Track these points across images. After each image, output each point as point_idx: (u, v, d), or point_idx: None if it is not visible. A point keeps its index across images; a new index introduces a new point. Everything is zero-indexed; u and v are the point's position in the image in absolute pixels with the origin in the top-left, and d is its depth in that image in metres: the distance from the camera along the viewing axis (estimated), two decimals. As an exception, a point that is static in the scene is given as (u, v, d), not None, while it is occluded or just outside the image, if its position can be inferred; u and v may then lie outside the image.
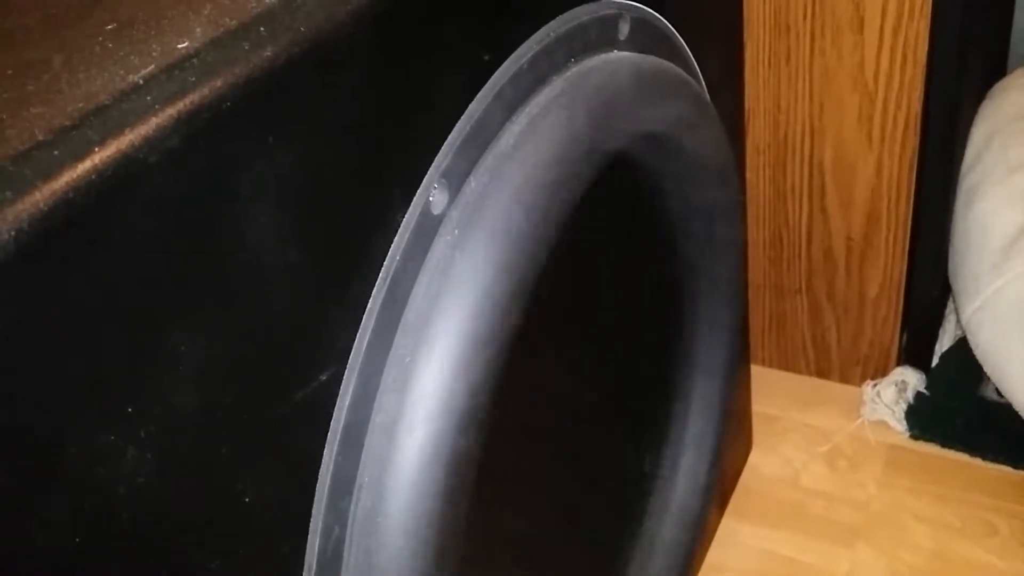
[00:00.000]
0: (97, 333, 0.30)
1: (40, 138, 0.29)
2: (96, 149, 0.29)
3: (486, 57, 0.46)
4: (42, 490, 0.29)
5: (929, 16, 0.87)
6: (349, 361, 0.41)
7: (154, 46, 0.34)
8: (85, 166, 0.29)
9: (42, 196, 0.28)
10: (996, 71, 1.18)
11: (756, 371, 1.07)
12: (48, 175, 0.28)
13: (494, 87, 0.46)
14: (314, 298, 0.39)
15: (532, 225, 0.46)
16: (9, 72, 0.34)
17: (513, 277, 0.45)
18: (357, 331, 0.41)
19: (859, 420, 1.06)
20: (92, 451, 0.31)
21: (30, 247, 0.27)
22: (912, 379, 1.06)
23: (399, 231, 0.42)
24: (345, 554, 0.42)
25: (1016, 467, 0.99)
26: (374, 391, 0.42)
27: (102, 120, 0.30)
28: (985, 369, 0.98)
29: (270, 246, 0.36)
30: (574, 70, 0.51)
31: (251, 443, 0.37)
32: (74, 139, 0.29)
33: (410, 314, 0.43)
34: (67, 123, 0.30)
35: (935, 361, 1.09)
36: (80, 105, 0.31)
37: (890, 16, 0.88)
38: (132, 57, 0.34)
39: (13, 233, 0.27)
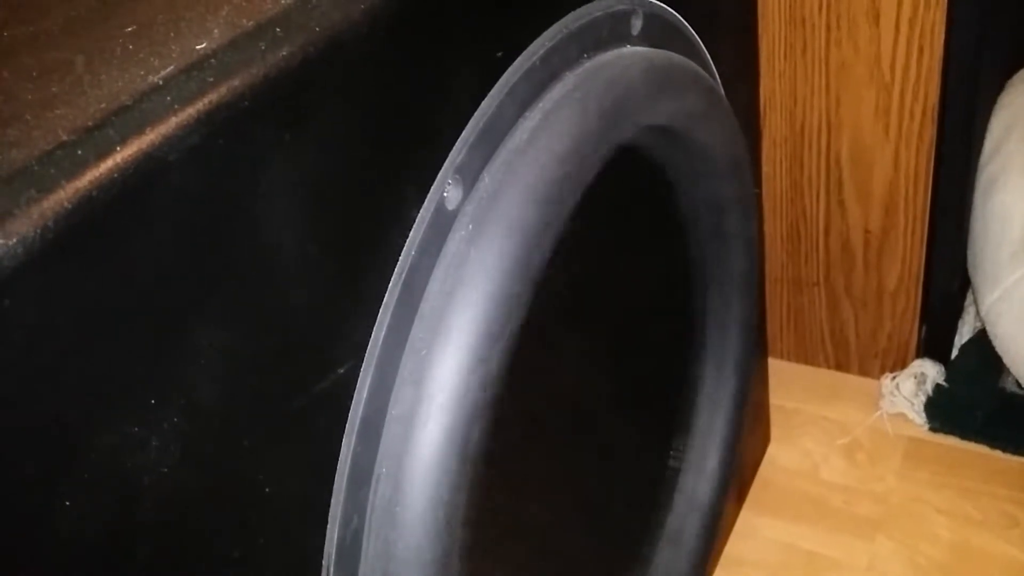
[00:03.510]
0: (120, 327, 0.31)
1: (64, 138, 0.30)
2: (118, 148, 0.30)
3: (499, 54, 0.47)
4: (68, 479, 0.30)
5: (945, 6, 0.86)
6: (366, 354, 0.42)
7: (173, 47, 0.35)
8: (108, 165, 0.30)
9: (66, 194, 0.29)
10: (1015, 61, 1.17)
11: (774, 364, 1.07)
12: (72, 174, 0.29)
13: (507, 83, 0.47)
14: (331, 292, 0.40)
15: (545, 219, 0.46)
16: (33, 74, 0.35)
17: (527, 271, 0.46)
18: (374, 325, 0.42)
19: (878, 413, 1.06)
20: (117, 442, 0.31)
21: (56, 244, 0.28)
22: (931, 371, 1.06)
23: (414, 226, 0.43)
24: (364, 543, 0.43)
25: (1037, 459, 0.99)
26: (391, 383, 0.43)
27: (124, 120, 0.31)
28: (1004, 361, 0.98)
29: (288, 242, 0.37)
30: (587, 66, 0.52)
31: (271, 434, 0.38)
32: (97, 139, 0.30)
33: (426, 308, 0.44)
34: (90, 123, 0.31)
35: (954, 353, 1.09)
36: (102, 105, 0.32)
37: (906, 7, 0.87)
38: (152, 58, 0.35)
39: (39, 230, 0.28)
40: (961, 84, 0.90)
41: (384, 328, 0.42)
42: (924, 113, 0.92)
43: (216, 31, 0.36)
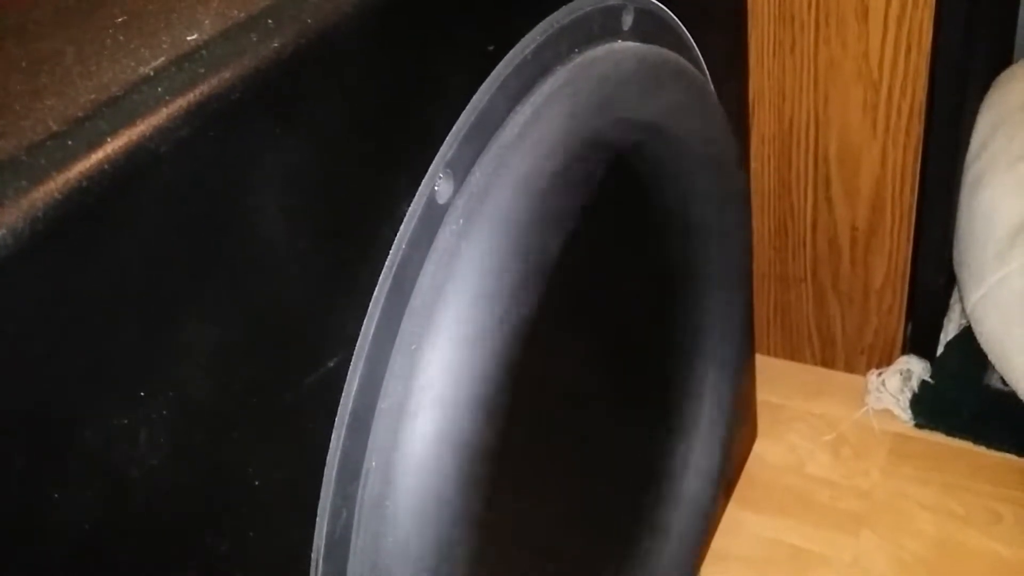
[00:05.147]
0: (110, 319, 0.31)
1: (54, 129, 0.30)
2: (108, 139, 0.30)
3: (490, 48, 0.47)
4: (57, 471, 0.30)
5: (933, 5, 0.87)
6: (356, 348, 0.42)
7: (164, 38, 0.35)
8: (98, 156, 0.30)
9: (56, 185, 0.28)
10: (1002, 60, 1.17)
11: (761, 360, 1.08)
12: (62, 165, 0.29)
13: (498, 77, 0.47)
14: (322, 286, 0.39)
15: (536, 214, 0.46)
16: (23, 64, 0.34)
17: (518, 265, 0.46)
18: (364, 318, 0.42)
19: (864, 409, 1.07)
20: (106, 434, 0.31)
21: (45, 235, 0.28)
22: (917, 368, 1.06)
23: (405, 220, 0.43)
24: (353, 537, 0.43)
25: (1020, 455, 0.99)
26: (381, 377, 0.43)
27: (114, 111, 0.31)
28: (989, 358, 0.98)
29: (278, 235, 0.37)
30: (577, 60, 0.52)
31: (261, 428, 0.38)
32: (87, 130, 0.30)
33: (416, 302, 0.44)
34: (80, 114, 0.31)
35: (940, 350, 1.09)
36: (92, 96, 0.32)
37: (894, 5, 0.88)
38: (143, 49, 0.34)
39: (29, 221, 0.28)
40: (948, 82, 0.91)
41: (374, 322, 0.42)
42: (911, 111, 0.92)
43: (207, 22, 0.36)
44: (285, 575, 0.41)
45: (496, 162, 0.46)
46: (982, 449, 1.01)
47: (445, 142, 0.44)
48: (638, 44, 0.58)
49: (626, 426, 0.75)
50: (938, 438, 1.03)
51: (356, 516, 0.43)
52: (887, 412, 1.06)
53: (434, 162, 0.44)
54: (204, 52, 0.34)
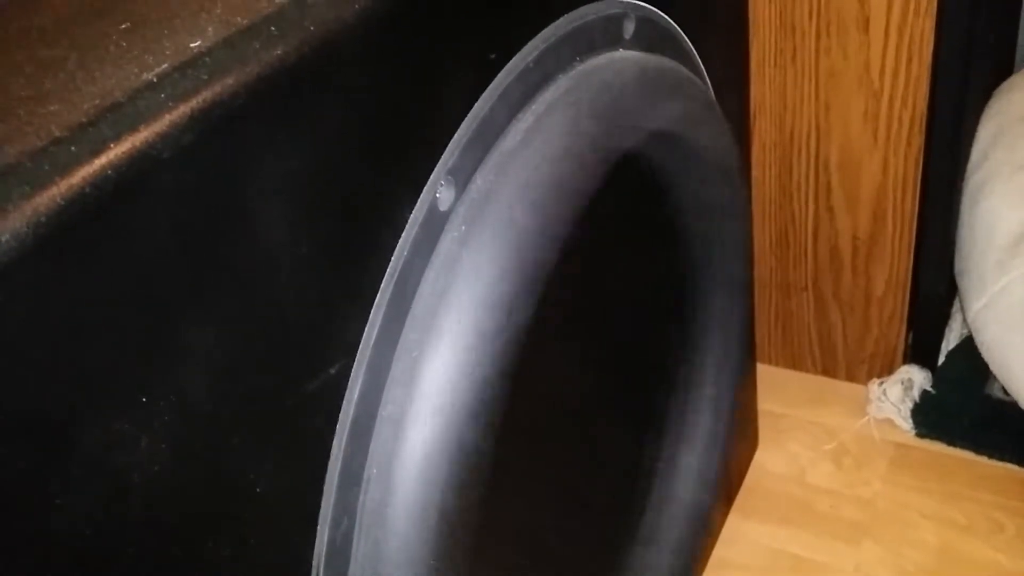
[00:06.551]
0: (111, 324, 0.31)
1: (57, 134, 0.30)
2: (111, 145, 0.30)
3: (492, 56, 0.47)
4: (59, 476, 0.30)
5: (935, 14, 0.87)
6: (358, 355, 0.42)
7: (167, 45, 0.35)
8: (101, 162, 0.30)
9: (60, 191, 0.29)
10: (1003, 69, 1.18)
11: (762, 369, 1.08)
12: (65, 170, 0.29)
13: (500, 86, 0.47)
14: (323, 292, 0.40)
15: (537, 221, 0.46)
16: (27, 70, 0.34)
17: (519, 272, 0.46)
18: (366, 325, 0.42)
19: (865, 418, 1.07)
20: (107, 439, 0.31)
21: (48, 240, 0.28)
22: (918, 377, 1.06)
23: (407, 227, 0.43)
24: (354, 544, 0.43)
25: (1022, 465, 0.99)
26: (382, 384, 0.43)
27: (117, 117, 0.31)
28: (991, 367, 0.98)
29: (280, 241, 0.37)
30: (579, 69, 0.52)
31: (262, 434, 0.38)
32: (90, 135, 0.30)
33: (417, 309, 0.44)
34: (83, 120, 0.31)
35: (941, 359, 1.09)
36: (96, 102, 0.32)
37: (895, 15, 0.88)
38: (146, 56, 0.35)
39: (32, 226, 0.28)
40: (949, 92, 0.91)
41: (376, 328, 0.42)
42: (912, 120, 0.93)
43: (210, 29, 0.36)
44: (285, 582, 0.41)
45: (497, 170, 0.46)
46: (983, 459, 1.01)
47: (447, 149, 0.45)
48: (639, 53, 0.58)
49: (622, 430, 0.75)
50: (939, 447, 1.03)
51: (357, 523, 0.43)
52: (888, 421, 1.06)
53: (436, 169, 0.44)
54: (207, 59, 0.34)
